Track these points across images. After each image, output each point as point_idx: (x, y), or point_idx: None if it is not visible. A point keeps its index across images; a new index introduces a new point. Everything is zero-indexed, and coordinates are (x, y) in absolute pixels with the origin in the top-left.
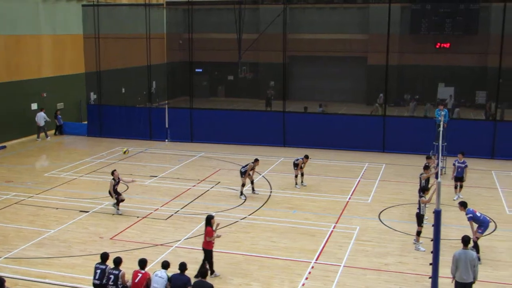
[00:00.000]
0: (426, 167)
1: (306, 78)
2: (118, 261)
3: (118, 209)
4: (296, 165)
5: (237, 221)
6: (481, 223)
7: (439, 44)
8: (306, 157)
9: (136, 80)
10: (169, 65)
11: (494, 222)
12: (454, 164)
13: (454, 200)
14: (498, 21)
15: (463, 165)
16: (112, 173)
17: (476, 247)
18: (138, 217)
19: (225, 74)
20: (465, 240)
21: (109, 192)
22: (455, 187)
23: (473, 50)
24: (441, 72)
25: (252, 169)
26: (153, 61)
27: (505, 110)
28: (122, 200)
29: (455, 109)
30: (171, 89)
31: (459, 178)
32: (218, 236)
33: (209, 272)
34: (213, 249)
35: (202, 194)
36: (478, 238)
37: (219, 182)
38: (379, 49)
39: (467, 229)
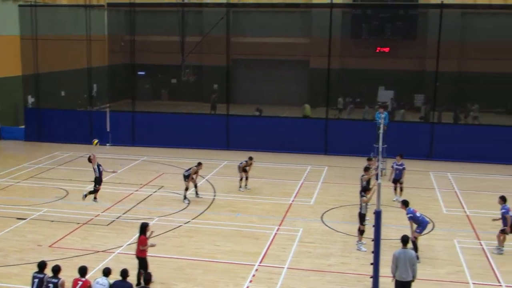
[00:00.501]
0: (367, 169)
1: (250, 81)
2: (56, 269)
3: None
4: (241, 167)
5: (180, 226)
6: (420, 223)
7: (379, 48)
8: (250, 158)
9: (76, 83)
10: (111, 67)
11: (432, 221)
12: (392, 166)
13: (394, 200)
14: (436, 27)
15: (401, 167)
16: (89, 159)
17: (414, 247)
18: (78, 223)
19: (168, 77)
20: (404, 240)
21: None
22: (394, 189)
23: (411, 55)
24: (381, 75)
25: (196, 172)
26: (94, 63)
27: (442, 113)
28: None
29: (401, 110)
30: (112, 92)
31: (397, 180)
32: (153, 245)
33: (142, 278)
34: (156, 255)
35: (145, 199)
36: (416, 238)
37: (162, 186)
38: (321, 52)
39: (407, 229)
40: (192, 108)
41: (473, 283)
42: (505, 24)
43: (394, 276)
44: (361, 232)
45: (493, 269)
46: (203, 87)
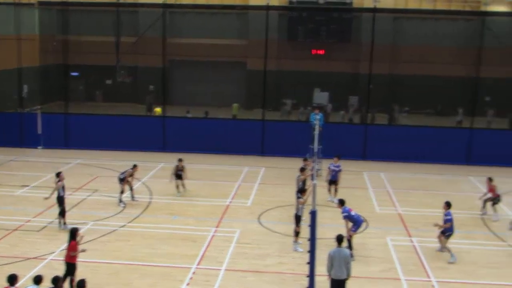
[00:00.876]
0: (303, 169)
1: (187, 83)
2: None
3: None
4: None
5: (116, 230)
6: (355, 222)
7: (314, 50)
8: (135, 166)
9: (6, 84)
10: (43, 68)
11: (366, 220)
12: (329, 167)
13: (328, 201)
14: (369, 30)
15: (337, 169)
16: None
17: (349, 245)
18: (8, 230)
19: (103, 78)
20: (339, 239)
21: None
22: (329, 190)
23: (346, 57)
24: (317, 77)
25: (131, 175)
26: (25, 64)
27: (375, 114)
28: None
29: (341, 111)
30: (44, 93)
31: (333, 181)
32: (83, 250)
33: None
34: (90, 260)
35: (79, 203)
36: (351, 236)
37: (97, 190)
38: (258, 54)
39: (342, 228)
40: (128, 109)
41: (405, 279)
42: (434, 29)
43: (329, 275)
44: (296, 233)
45: (423, 265)
46: (139, 89)
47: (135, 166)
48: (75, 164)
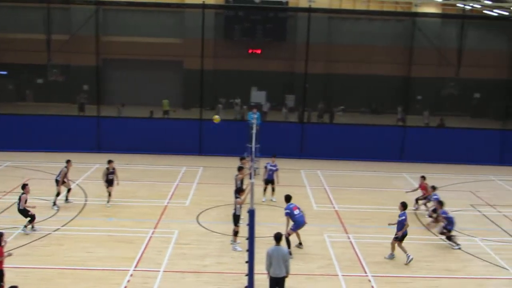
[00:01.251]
0: (240, 168)
1: (122, 82)
2: None
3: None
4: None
5: (49, 234)
6: (295, 221)
7: (251, 49)
8: (68, 161)
9: None
10: None
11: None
12: (266, 167)
13: (263, 201)
14: (304, 29)
15: (274, 169)
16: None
17: (287, 243)
18: None
19: (33, 77)
20: (277, 237)
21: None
22: (264, 190)
23: (282, 56)
24: (254, 76)
25: (66, 173)
26: None
27: (312, 113)
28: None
29: (284, 110)
30: None
31: (269, 181)
32: (10, 254)
33: None
34: (21, 266)
35: (9, 207)
36: (290, 235)
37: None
38: (195, 53)
39: (280, 226)
40: (60, 109)
41: (342, 275)
42: (368, 29)
43: (268, 273)
44: (235, 233)
45: (360, 260)
46: (72, 88)
47: (68, 161)
48: (5, 167)
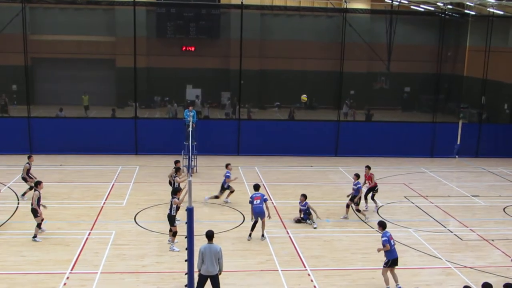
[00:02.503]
0: (178, 170)
1: (53, 81)
2: None
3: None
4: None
5: None
6: (253, 209)
7: (185, 47)
8: (30, 157)
9: None
10: None
11: (242, 214)
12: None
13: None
14: (237, 26)
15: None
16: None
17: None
18: None
19: None
20: (209, 235)
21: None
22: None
23: (216, 53)
24: (189, 74)
25: (29, 169)
26: None
27: (249, 109)
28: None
29: (231, 108)
30: None
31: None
32: None
33: None
34: None
35: None
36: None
37: None
38: (127, 51)
39: (219, 224)
40: None
41: (282, 270)
42: (300, 25)
43: (199, 270)
44: (174, 233)
45: (299, 255)
46: (0, 88)
47: (29, 156)
48: None
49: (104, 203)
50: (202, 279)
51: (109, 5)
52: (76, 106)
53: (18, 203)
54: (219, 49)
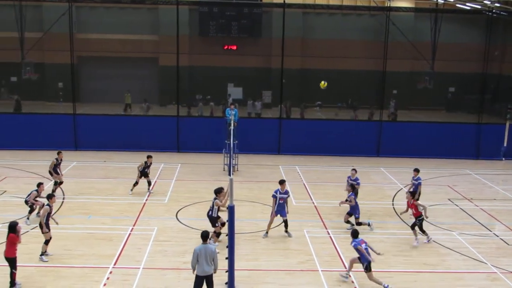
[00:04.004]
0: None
1: (98, 80)
2: None
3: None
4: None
5: (27, 231)
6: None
7: (226, 46)
8: (39, 185)
9: None
10: None
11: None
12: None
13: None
14: (280, 25)
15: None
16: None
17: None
18: None
19: (7, 75)
20: (204, 236)
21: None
22: None
23: (258, 52)
24: (230, 73)
25: (36, 196)
26: None
27: (290, 108)
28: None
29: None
30: None
31: None
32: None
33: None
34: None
35: None
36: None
37: (5, 191)
38: (170, 50)
39: (260, 223)
40: (36, 107)
41: (322, 270)
42: (342, 24)
43: (194, 271)
44: (217, 234)
45: (339, 255)
46: (47, 86)
47: (39, 184)
48: None
49: (146, 200)
50: (199, 280)
51: (153, 4)
52: (120, 104)
53: (64, 198)
54: (260, 48)
